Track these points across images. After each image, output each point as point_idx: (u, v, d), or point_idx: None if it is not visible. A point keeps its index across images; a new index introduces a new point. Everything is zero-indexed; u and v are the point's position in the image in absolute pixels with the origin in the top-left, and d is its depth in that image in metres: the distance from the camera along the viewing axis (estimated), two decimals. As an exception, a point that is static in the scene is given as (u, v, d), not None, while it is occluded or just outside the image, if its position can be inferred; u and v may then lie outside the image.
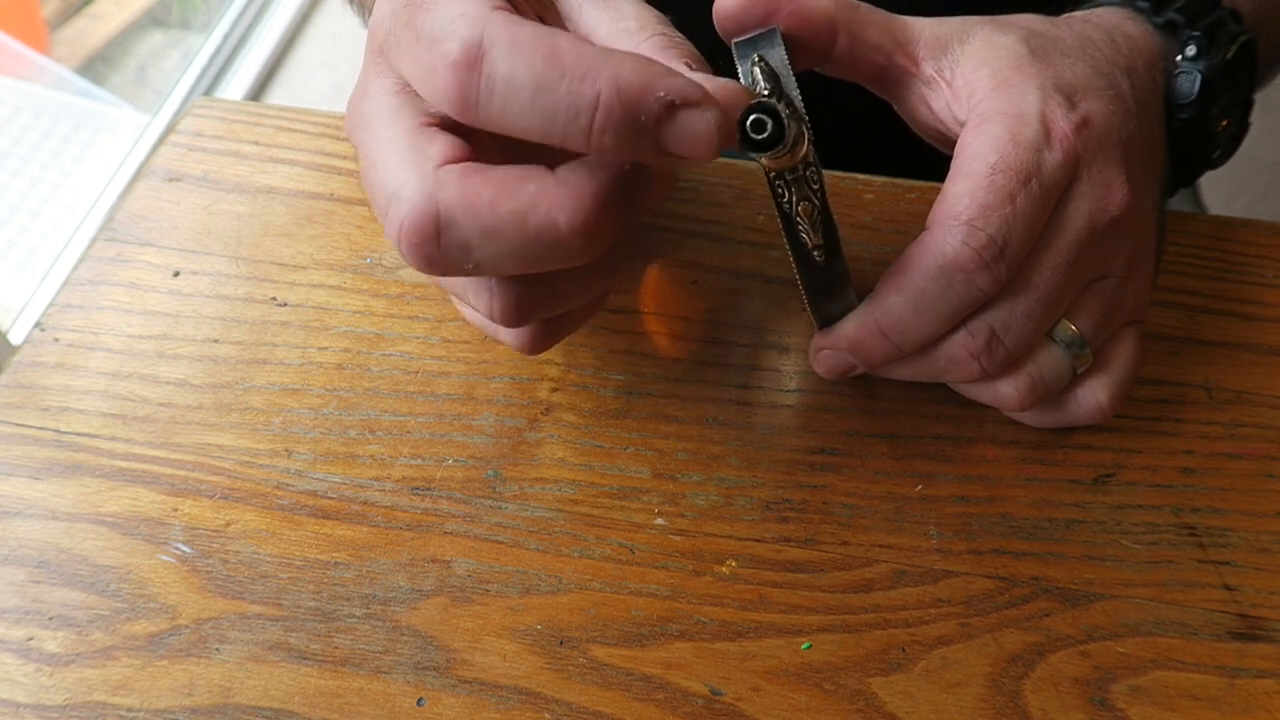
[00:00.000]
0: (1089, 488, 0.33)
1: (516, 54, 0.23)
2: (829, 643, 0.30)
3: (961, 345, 0.31)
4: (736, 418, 0.35)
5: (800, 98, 0.27)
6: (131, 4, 1.65)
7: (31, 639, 0.30)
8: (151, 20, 1.68)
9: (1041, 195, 0.29)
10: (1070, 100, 0.31)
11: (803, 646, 0.30)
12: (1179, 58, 0.35)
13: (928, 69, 0.32)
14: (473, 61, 0.23)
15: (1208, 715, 0.29)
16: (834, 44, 0.31)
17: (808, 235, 0.29)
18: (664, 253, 0.39)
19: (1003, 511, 0.33)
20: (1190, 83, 0.34)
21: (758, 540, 0.32)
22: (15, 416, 0.34)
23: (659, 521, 0.32)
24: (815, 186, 0.28)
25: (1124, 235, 0.31)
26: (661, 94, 0.23)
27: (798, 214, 0.29)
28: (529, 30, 0.23)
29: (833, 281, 0.31)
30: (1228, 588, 0.31)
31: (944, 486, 0.33)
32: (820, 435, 0.34)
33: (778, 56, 0.28)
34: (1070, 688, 0.29)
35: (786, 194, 0.28)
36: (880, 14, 0.32)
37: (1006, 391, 0.32)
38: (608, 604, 0.31)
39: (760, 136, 0.25)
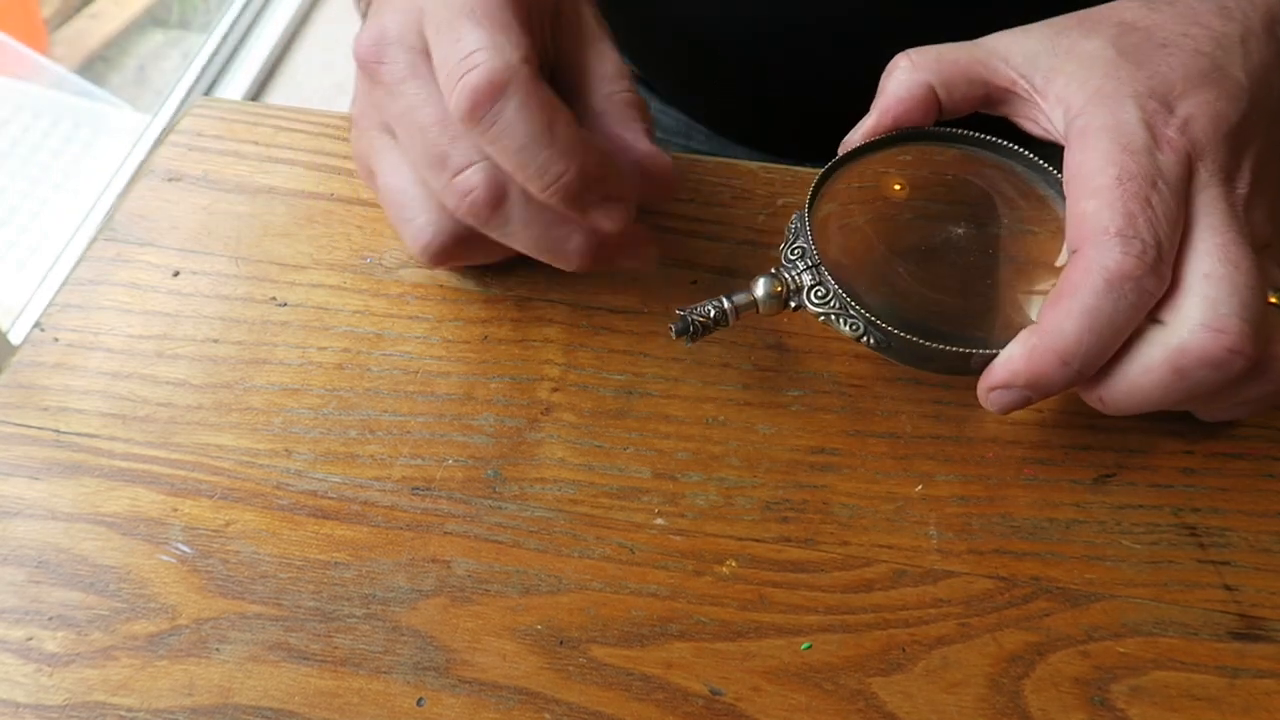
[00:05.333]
0: (1089, 488, 0.33)
1: (528, 108, 0.29)
2: (829, 643, 0.30)
3: (1217, 345, 0.29)
4: (736, 418, 0.35)
5: (806, 268, 0.33)
6: (131, 4, 1.65)
7: (31, 639, 0.30)
8: (151, 20, 1.68)
9: (1171, 194, 0.30)
10: (1167, 104, 0.31)
11: (803, 646, 0.30)
12: None
13: (1021, 85, 0.33)
14: (495, 93, 0.29)
15: (1208, 715, 0.29)
16: (940, 103, 0.34)
17: (841, 330, 0.32)
18: (664, 253, 0.39)
19: (1003, 511, 0.33)
20: None
21: (758, 540, 0.32)
22: (15, 416, 0.34)
23: (659, 521, 0.32)
24: (816, 309, 0.32)
25: (1257, 209, 0.31)
26: (610, 193, 0.30)
27: (824, 322, 0.32)
28: (544, 95, 0.29)
29: (907, 350, 0.31)
30: (1228, 588, 0.31)
31: (944, 486, 0.33)
32: (820, 435, 0.34)
33: (804, 235, 0.33)
34: (1070, 688, 0.29)
35: (808, 311, 0.33)
36: (962, 50, 0.34)
37: None
38: (608, 604, 0.31)
39: (674, 333, 0.33)
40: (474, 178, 0.31)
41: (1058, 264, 0.33)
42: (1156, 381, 0.30)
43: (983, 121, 0.35)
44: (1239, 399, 0.31)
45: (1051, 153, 0.34)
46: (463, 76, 0.29)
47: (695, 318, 0.33)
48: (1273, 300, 0.31)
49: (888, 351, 0.32)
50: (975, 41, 0.34)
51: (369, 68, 0.33)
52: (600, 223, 0.31)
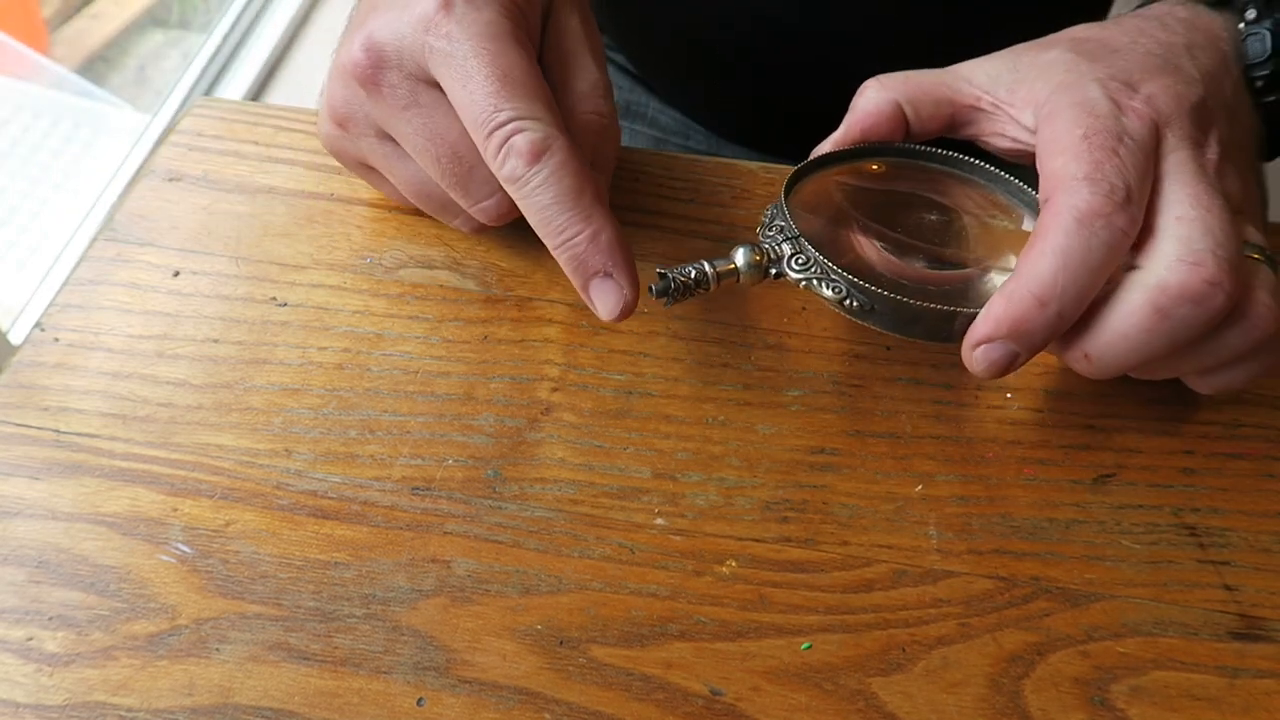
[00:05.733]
0: (1089, 488, 0.33)
1: (560, 174, 0.31)
2: (829, 643, 0.30)
3: (1194, 277, 0.29)
4: (736, 418, 0.35)
5: (784, 239, 0.33)
6: (131, 4, 1.65)
7: (31, 639, 0.30)
8: (151, 20, 1.69)
9: (1139, 149, 0.30)
10: (1130, 85, 0.32)
11: (803, 646, 0.30)
12: (1241, 25, 0.36)
13: (986, 101, 0.35)
14: (535, 159, 0.31)
15: (1208, 715, 0.29)
16: (908, 122, 0.35)
17: (823, 294, 0.32)
18: (664, 253, 0.39)
19: (1003, 511, 0.33)
20: (1260, 41, 0.35)
21: (758, 540, 0.32)
22: (15, 416, 0.34)
23: (659, 521, 0.32)
24: (797, 275, 0.33)
25: (1228, 176, 0.32)
26: (608, 268, 0.32)
27: (806, 287, 0.33)
28: (574, 164, 0.32)
29: (893, 314, 0.31)
30: (1228, 588, 0.31)
31: (944, 486, 0.33)
32: (820, 435, 0.34)
33: (782, 216, 0.34)
34: (1070, 688, 0.29)
35: (789, 278, 0.33)
36: (928, 74, 0.35)
37: (1262, 300, 0.30)
38: (608, 604, 0.31)
39: (653, 293, 0.33)
40: (493, 210, 0.35)
41: (1024, 227, 0.34)
42: (1139, 325, 0.30)
43: (950, 147, 0.36)
44: (1224, 351, 0.31)
45: (1017, 171, 0.36)
46: (507, 141, 0.31)
47: (677, 277, 0.33)
48: (1254, 256, 0.31)
49: (870, 316, 0.32)
50: (941, 69, 0.36)
51: (365, 83, 0.34)
52: (595, 298, 0.32)
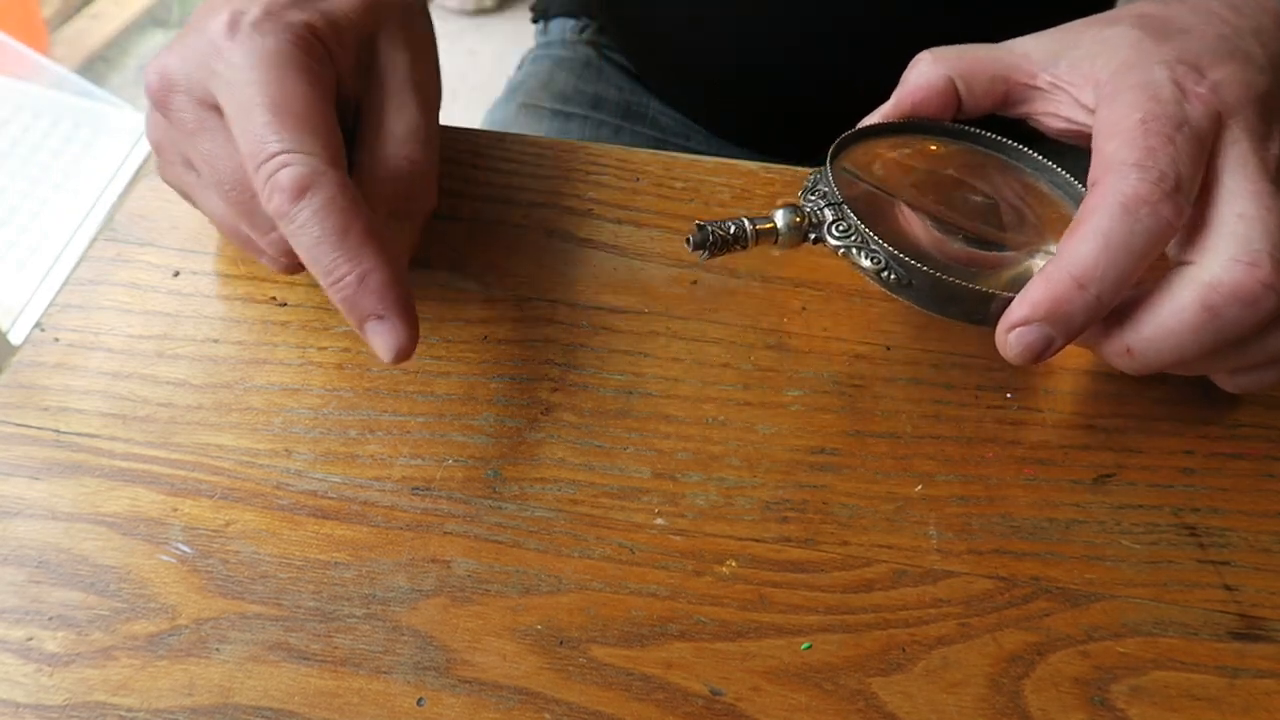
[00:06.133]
0: (1089, 488, 0.33)
1: (326, 211, 0.30)
2: (829, 643, 0.30)
3: (1250, 278, 0.29)
4: (736, 418, 0.35)
5: (826, 205, 0.33)
6: (131, 4, 1.66)
7: (31, 639, 0.30)
8: (151, 20, 1.69)
9: (1196, 139, 0.30)
10: (1197, 69, 0.31)
11: (803, 646, 0.30)
12: None
13: (1044, 79, 0.34)
14: (299, 195, 0.29)
15: (1208, 715, 0.29)
16: (960, 98, 0.35)
17: (861, 264, 0.32)
18: (665, 253, 0.39)
19: (1003, 511, 0.33)
20: None
21: (758, 540, 0.32)
22: (15, 416, 0.34)
23: (659, 521, 0.32)
24: (836, 242, 0.32)
25: None
26: (379, 311, 0.30)
27: (844, 255, 0.32)
28: (343, 202, 0.30)
29: (930, 291, 0.31)
30: (1228, 588, 0.31)
31: (944, 486, 0.33)
32: (820, 435, 0.34)
33: (825, 182, 0.33)
34: (1070, 688, 0.29)
35: (827, 245, 0.33)
36: (984, 49, 0.34)
37: None
38: (608, 604, 0.31)
39: (690, 245, 0.32)
40: (281, 243, 0.33)
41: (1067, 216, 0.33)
42: (1188, 322, 0.29)
43: (998, 126, 0.36)
44: (1265, 353, 0.31)
45: (1065, 161, 0.35)
46: (272, 175, 0.30)
47: (715, 230, 0.32)
48: None
49: (907, 291, 0.31)
50: (996, 44, 0.35)
51: (159, 107, 0.33)
52: (371, 340, 0.31)
